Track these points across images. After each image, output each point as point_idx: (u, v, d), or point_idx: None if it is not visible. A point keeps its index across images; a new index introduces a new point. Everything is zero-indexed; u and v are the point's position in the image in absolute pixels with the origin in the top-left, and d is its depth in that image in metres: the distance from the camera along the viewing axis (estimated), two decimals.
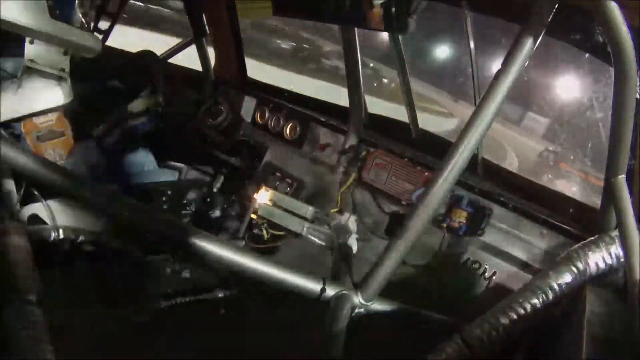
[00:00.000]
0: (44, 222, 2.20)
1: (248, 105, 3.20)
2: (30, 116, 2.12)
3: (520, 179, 2.58)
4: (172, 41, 3.72)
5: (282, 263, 1.73)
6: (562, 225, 2.00)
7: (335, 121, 2.85)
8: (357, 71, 2.60)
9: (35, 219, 2.18)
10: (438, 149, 2.25)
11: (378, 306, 1.78)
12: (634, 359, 1.23)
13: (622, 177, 1.55)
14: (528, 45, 1.51)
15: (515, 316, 1.54)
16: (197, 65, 3.58)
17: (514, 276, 2.07)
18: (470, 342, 1.52)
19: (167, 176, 3.19)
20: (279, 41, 18.29)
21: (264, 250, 2.53)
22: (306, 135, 2.89)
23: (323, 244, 2.17)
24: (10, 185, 1.70)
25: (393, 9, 1.64)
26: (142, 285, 2.24)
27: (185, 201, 3.03)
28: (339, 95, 3.27)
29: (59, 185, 1.53)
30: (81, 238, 2.26)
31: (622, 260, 1.55)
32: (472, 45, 2.47)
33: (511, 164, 14.28)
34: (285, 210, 2.30)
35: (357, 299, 1.73)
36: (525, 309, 1.54)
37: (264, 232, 2.43)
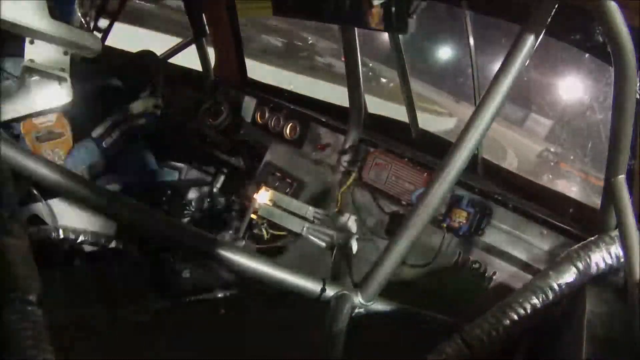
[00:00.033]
0: (44, 222, 2.20)
1: (248, 105, 3.20)
2: (30, 116, 2.12)
3: (520, 179, 2.57)
4: (172, 41, 3.72)
5: (282, 263, 1.73)
6: (562, 226, 2.00)
7: (335, 121, 2.85)
8: (357, 71, 2.60)
9: (35, 219, 2.18)
10: (438, 149, 2.25)
11: (378, 306, 1.78)
12: (634, 359, 1.23)
13: (622, 177, 1.55)
14: (528, 45, 1.51)
15: (515, 316, 1.54)
16: (197, 65, 3.58)
17: (514, 276, 2.07)
18: (470, 342, 1.52)
19: (167, 176, 3.20)
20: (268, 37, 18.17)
21: (264, 250, 2.53)
22: (306, 135, 2.89)
23: (323, 244, 2.17)
24: (10, 185, 1.70)
25: (393, 9, 1.64)
26: (142, 285, 2.24)
27: (185, 201, 3.03)
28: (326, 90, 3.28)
29: (59, 185, 1.53)
30: (81, 238, 2.26)
31: (622, 260, 1.55)
32: (472, 45, 2.47)
33: (511, 164, 14.29)
34: (285, 210, 2.30)
35: (357, 299, 1.73)
36: (525, 309, 1.54)
37: (264, 232, 2.43)
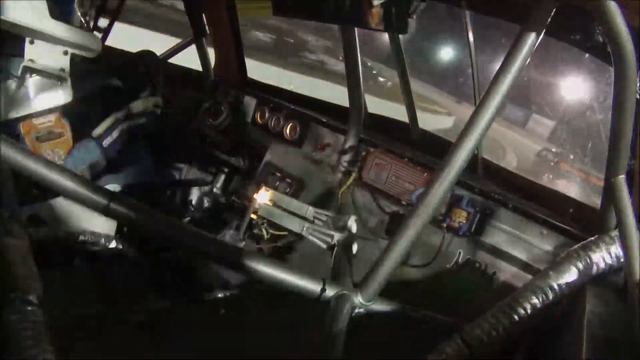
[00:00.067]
0: (44, 222, 2.20)
1: (248, 105, 3.20)
2: (30, 116, 2.12)
3: (520, 179, 2.58)
4: (172, 41, 3.72)
5: (282, 263, 1.73)
6: (562, 226, 2.00)
7: (335, 121, 2.85)
8: (357, 71, 2.60)
9: (35, 219, 2.18)
10: (438, 149, 2.25)
11: (378, 306, 1.78)
12: (634, 359, 1.23)
13: (622, 177, 1.54)
14: (528, 45, 1.50)
15: (515, 316, 1.53)
16: (197, 65, 3.58)
17: (514, 276, 2.07)
18: (470, 342, 1.52)
19: (167, 176, 3.20)
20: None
21: (264, 250, 2.53)
22: (306, 135, 2.89)
23: (323, 244, 2.17)
24: (10, 185, 1.70)
25: (393, 9, 1.64)
26: (142, 285, 2.24)
27: (185, 201, 3.04)
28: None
29: (59, 185, 1.53)
30: (81, 238, 2.26)
31: (622, 260, 1.55)
32: (472, 45, 2.47)
33: (510, 163, 14.28)
34: (285, 210, 2.30)
35: (357, 299, 1.73)
36: (525, 309, 1.54)
37: (264, 232, 2.43)
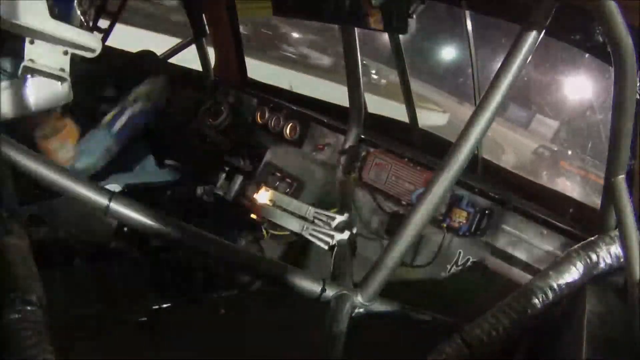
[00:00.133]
0: (44, 222, 2.20)
1: (248, 105, 3.20)
2: (30, 116, 2.12)
3: (520, 179, 2.58)
4: (172, 41, 3.72)
5: (281, 263, 1.73)
6: (562, 226, 2.00)
7: (335, 121, 2.85)
8: (357, 71, 2.60)
9: (35, 219, 2.19)
10: (438, 149, 2.25)
11: (378, 306, 1.77)
12: (634, 359, 1.23)
13: (622, 177, 1.54)
14: (528, 45, 1.50)
15: (515, 316, 1.53)
16: (197, 65, 3.58)
17: (514, 276, 2.07)
18: (470, 342, 1.52)
19: (167, 176, 3.20)
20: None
21: (264, 250, 2.54)
22: (306, 135, 2.89)
23: (323, 244, 2.17)
24: (10, 185, 1.70)
25: (393, 9, 1.64)
26: (142, 285, 2.24)
27: (185, 201, 3.03)
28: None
29: (59, 185, 1.52)
30: (81, 238, 2.26)
31: (622, 260, 1.55)
32: (472, 45, 2.47)
33: (508, 162, 14.27)
34: (285, 210, 2.30)
35: (357, 299, 1.73)
36: (525, 309, 1.54)
37: (264, 232, 2.43)
